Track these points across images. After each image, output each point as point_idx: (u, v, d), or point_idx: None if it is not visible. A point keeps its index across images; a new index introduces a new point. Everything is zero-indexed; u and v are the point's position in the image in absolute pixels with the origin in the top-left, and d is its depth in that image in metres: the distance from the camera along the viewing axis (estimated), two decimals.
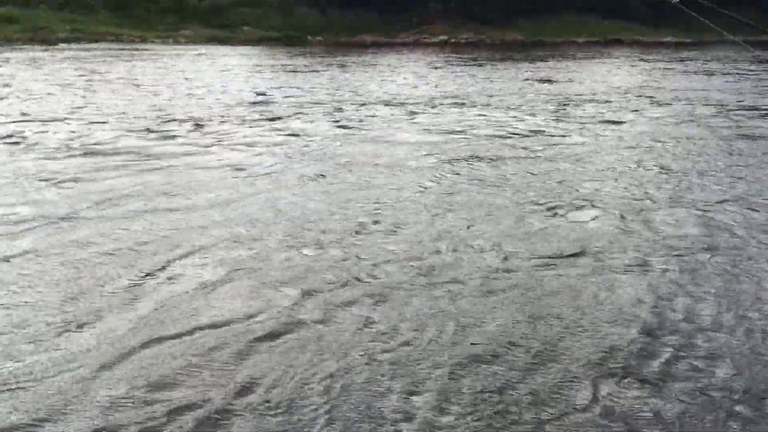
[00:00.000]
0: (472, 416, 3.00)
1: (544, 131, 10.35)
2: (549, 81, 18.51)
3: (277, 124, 10.74)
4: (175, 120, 10.95)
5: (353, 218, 5.83)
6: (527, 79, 18.80)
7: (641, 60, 26.95)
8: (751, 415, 3.03)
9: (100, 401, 3.06)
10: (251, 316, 3.92)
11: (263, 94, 14.60)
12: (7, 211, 5.85)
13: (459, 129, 10.47)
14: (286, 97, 14.16)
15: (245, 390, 3.17)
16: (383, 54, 29.97)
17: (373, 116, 11.63)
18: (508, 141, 9.58)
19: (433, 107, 12.87)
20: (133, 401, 3.06)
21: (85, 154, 8.28)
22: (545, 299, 4.22)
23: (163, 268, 4.63)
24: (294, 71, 20.58)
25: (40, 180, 6.95)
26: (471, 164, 8.06)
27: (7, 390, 3.13)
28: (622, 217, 5.99)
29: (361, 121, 11.15)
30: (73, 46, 30.52)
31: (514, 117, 11.76)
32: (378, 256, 4.90)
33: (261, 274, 4.56)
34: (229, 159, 8.19)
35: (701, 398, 3.15)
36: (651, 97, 14.80)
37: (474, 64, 24.29)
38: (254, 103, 13.19)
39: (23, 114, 11.18)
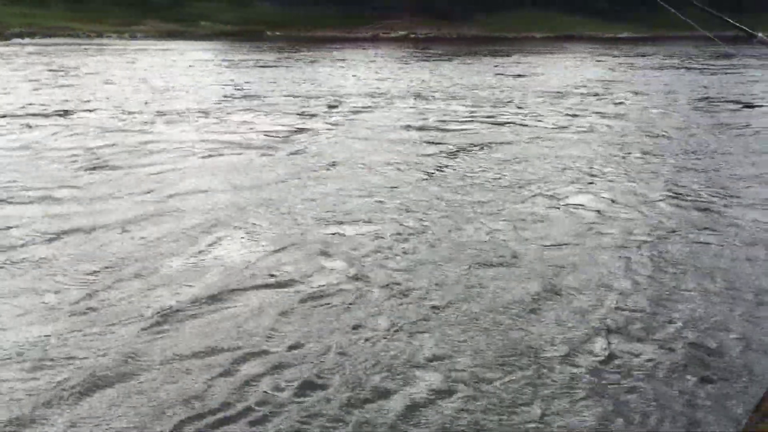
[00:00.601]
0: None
1: (536, 124, 10.66)
2: (521, 75, 18.91)
3: (278, 118, 10.78)
4: (177, 113, 10.89)
5: (377, 206, 6.01)
6: (500, 74, 19.16)
7: (604, 55, 27.69)
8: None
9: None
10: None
11: (245, 88, 14.57)
12: (84, 222, 5.83)
13: (457, 122, 10.70)
14: (270, 91, 14.16)
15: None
16: (345, 49, 30.04)
17: (365, 110, 11.76)
18: (509, 132, 9.86)
19: (423, 100, 13.07)
20: None
21: (120, 152, 8.21)
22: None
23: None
24: (265, 66, 20.51)
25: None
26: (471, 156, 8.31)
27: None
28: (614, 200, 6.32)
29: (356, 115, 11.27)
30: (29, 40, 29.69)
31: (506, 110, 12.05)
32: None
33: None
34: (255, 153, 8.24)
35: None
36: (629, 90, 15.30)
37: (442, 59, 24.58)
38: (245, 97, 13.16)
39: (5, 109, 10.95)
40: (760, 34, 2.33)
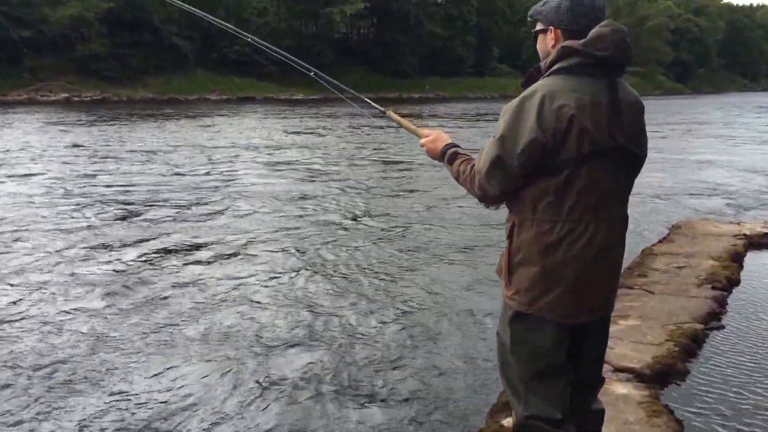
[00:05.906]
0: None
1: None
2: (219, 136, 19.33)
3: None
4: None
5: None
6: (207, 135, 19.37)
7: (286, 115, 29.47)
8: None
9: None
10: None
11: None
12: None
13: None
14: None
15: None
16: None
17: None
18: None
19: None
20: None
21: None
22: None
23: None
24: None
25: None
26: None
27: None
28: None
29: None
30: None
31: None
32: None
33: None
34: None
35: None
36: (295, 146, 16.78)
37: (126, 122, 23.88)
38: None
39: None
40: (389, 111, 2.86)
